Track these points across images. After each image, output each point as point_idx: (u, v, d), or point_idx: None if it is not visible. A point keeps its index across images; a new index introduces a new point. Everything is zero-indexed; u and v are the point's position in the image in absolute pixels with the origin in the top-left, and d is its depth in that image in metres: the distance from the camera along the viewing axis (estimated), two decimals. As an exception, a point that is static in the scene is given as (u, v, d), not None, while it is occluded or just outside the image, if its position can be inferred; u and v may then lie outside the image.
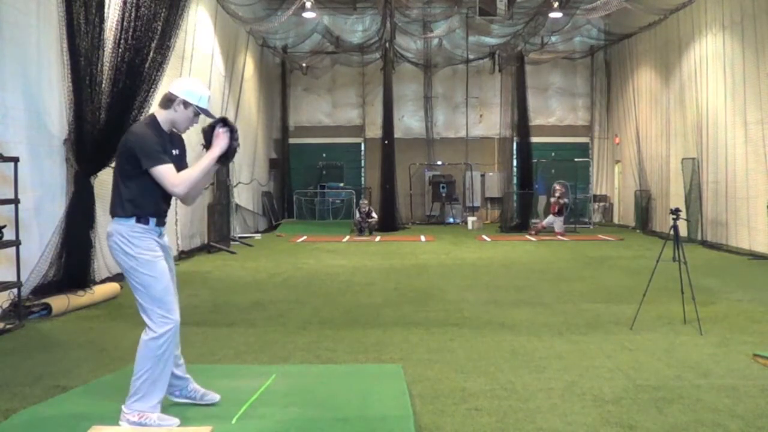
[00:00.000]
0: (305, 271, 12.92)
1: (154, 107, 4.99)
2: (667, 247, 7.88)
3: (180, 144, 4.73)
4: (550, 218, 20.56)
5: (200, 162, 4.51)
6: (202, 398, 4.83)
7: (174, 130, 4.65)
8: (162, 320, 4.40)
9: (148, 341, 4.38)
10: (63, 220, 9.47)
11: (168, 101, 4.57)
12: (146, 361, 4.37)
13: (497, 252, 16.23)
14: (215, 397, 4.86)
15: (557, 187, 20.83)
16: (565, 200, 20.88)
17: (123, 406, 4.40)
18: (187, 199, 4.67)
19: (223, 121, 4.57)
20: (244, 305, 9.39)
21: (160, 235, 4.60)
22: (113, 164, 9.82)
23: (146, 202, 4.46)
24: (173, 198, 4.63)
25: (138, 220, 4.44)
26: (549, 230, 20.56)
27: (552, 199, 20.68)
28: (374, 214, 21.14)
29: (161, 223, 4.59)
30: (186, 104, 4.55)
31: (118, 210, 4.46)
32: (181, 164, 4.60)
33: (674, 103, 19.77)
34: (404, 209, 24.99)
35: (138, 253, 4.41)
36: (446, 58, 25.40)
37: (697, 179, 17.58)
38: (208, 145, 4.57)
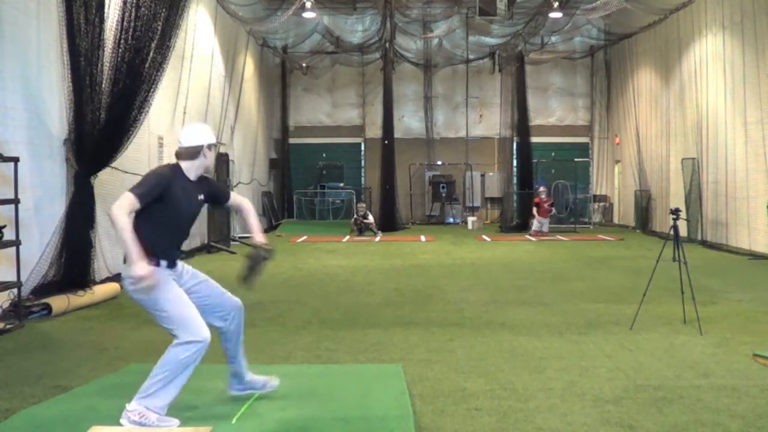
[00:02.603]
0: (305, 271, 12.92)
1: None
2: (667, 247, 7.87)
3: (207, 185, 4.85)
4: (537, 222, 20.49)
5: (133, 246, 4.25)
6: (263, 387, 5.06)
7: (205, 174, 4.83)
8: (188, 345, 4.43)
9: (175, 348, 4.44)
10: (63, 220, 9.46)
11: (195, 153, 4.67)
12: (167, 364, 4.40)
13: (497, 252, 16.23)
14: (274, 383, 5.11)
15: (543, 189, 20.87)
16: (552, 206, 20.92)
17: (127, 404, 4.41)
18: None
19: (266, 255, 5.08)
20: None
21: (175, 271, 4.64)
22: (114, 164, 9.93)
23: (156, 244, 4.46)
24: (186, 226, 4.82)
25: (149, 262, 4.37)
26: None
27: (538, 203, 20.62)
28: (370, 218, 21.15)
29: (173, 265, 4.62)
30: (211, 147, 4.76)
31: None
32: (211, 199, 4.95)
33: (674, 103, 19.76)
34: (404, 209, 24.97)
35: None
36: (446, 58, 25.40)
37: (697, 179, 17.57)
38: (251, 267, 5.08)
